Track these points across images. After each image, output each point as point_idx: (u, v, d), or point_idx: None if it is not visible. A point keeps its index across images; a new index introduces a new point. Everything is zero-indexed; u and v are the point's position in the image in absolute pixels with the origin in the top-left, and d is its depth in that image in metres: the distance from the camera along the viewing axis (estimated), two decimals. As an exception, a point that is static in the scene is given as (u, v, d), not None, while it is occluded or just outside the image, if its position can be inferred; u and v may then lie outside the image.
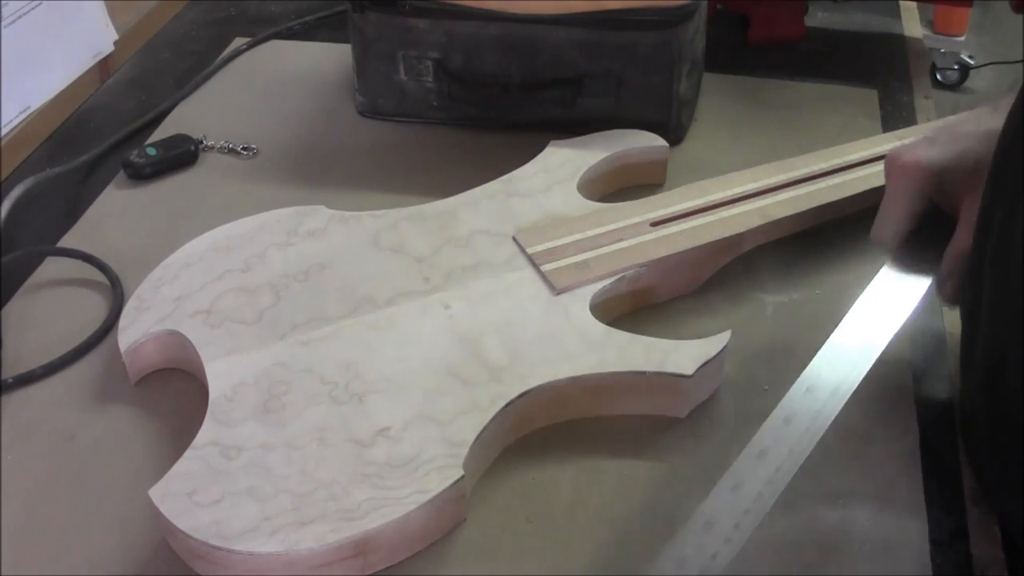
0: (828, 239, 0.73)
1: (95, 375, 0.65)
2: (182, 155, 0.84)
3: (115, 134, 0.87)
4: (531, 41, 0.82)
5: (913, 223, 0.61)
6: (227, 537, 0.51)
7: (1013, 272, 0.46)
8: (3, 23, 0.84)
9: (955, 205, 0.59)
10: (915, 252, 0.60)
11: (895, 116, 0.90)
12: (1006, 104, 0.56)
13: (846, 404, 0.57)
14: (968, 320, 0.57)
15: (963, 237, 0.57)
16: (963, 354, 0.58)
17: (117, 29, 0.99)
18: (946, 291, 0.59)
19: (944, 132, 0.61)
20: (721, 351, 0.62)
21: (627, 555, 0.54)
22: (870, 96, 0.93)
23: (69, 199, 0.81)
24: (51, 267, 0.74)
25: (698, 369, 0.60)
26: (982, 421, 0.56)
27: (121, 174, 0.83)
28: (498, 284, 0.66)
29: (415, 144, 0.87)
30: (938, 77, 0.95)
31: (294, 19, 1.05)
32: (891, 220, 0.61)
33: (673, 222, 0.71)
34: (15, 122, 0.86)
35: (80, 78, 0.94)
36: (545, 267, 0.67)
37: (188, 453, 0.56)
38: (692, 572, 0.51)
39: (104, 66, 0.98)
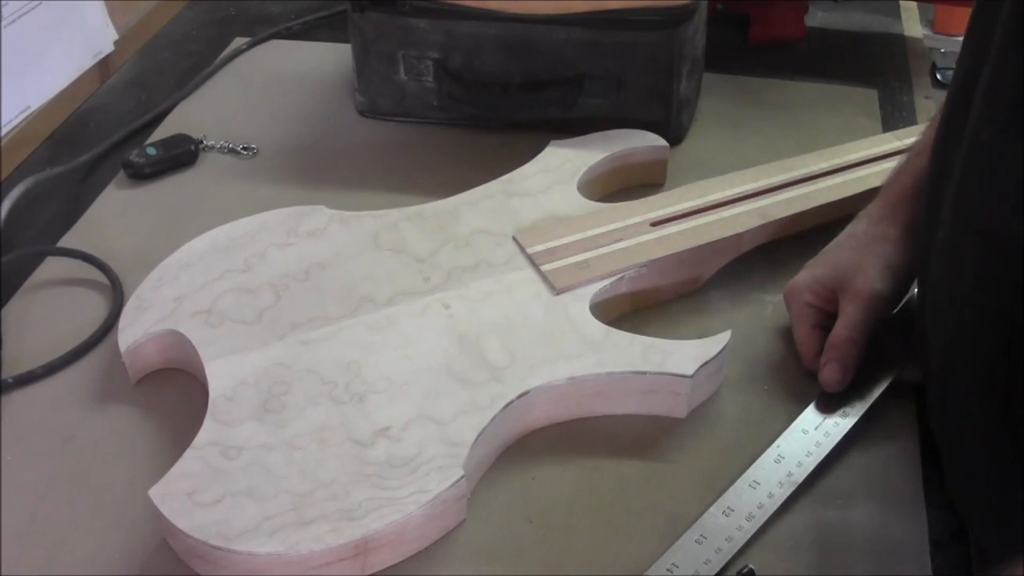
0: (828, 239, 0.73)
1: (95, 375, 0.65)
2: (182, 155, 0.84)
3: (115, 134, 0.87)
4: (531, 41, 0.82)
5: (820, 336, 0.64)
6: (227, 537, 0.51)
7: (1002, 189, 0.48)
8: (3, 23, 0.84)
9: (835, 308, 0.64)
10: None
11: (895, 116, 0.90)
12: (868, 212, 0.66)
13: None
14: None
15: (839, 330, 0.62)
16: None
17: (117, 29, 0.99)
18: (824, 375, 0.62)
19: (816, 257, 0.67)
20: (721, 351, 0.62)
21: (627, 555, 0.54)
22: (870, 96, 0.93)
23: (69, 199, 0.81)
24: (51, 267, 0.73)
25: (698, 369, 0.60)
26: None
27: (121, 174, 0.83)
28: (498, 284, 0.66)
29: (415, 144, 0.87)
30: (938, 77, 0.95)
31: (294, 19, 1.05)
32: (800, 344, 0.65)
33: (673, 222, 0.71)
34: (15, 122, 0.86)
35: (80, 78, 0.94)
36: (545, 267, 0.67)
37: (188, 453, 0.56)
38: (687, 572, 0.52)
39: (104, 66, 0.98)
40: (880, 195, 0.67)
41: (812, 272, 0.65)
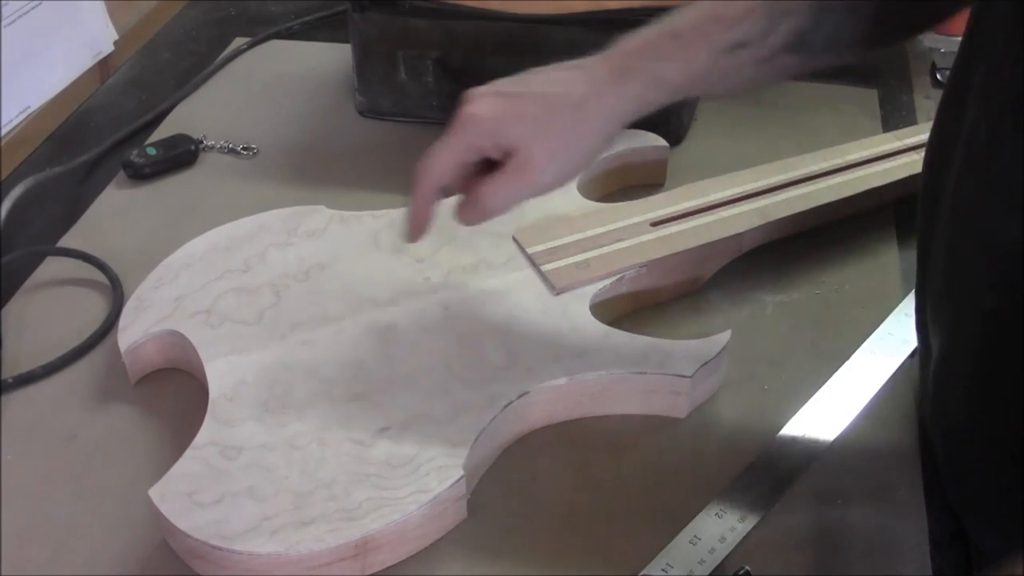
0: (828, 239, 0.73)
1: (95, 375, 0.65)
2: (182, 155, 0.84)
3: (115, 134, 0.88)
4: (531, 41, 0.82)
5: (456, 174, 0.58)
6: (227, 537, 0.51)
7: (1000, 185, 0.47)
8: (3, 23, 0.84)
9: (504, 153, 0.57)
10: None
11: (895, 116, 0.90)
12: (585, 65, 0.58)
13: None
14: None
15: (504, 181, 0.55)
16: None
17: (117, 29, 0.99)
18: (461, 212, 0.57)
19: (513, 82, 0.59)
20: (721, 351, 0.62)
21: (627, 555, 0.54)
22: (870, 96, 0.93)
23: (69, 199, 0.81)
24: (51, 267, 0.73)
25: (698, 369, 0.60)
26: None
27: (121, 174, 0.83)
28: (498, 284, 0.66)
29: (415, 144, 0.85)
30: (938, 77, 0.95)
31: (294, 19, 1.05)
32: (433, 160, 0.58)
33: (673, 222, 0.71)
34: (15, 122, 0.86)
35: (80, 78, 0.94)
36: (545, 267, 0.67)
37: (188, 453, 0.56)
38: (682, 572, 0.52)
39: (104, 66, 0.98)
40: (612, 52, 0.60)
41: (489, 111, 0.57)
